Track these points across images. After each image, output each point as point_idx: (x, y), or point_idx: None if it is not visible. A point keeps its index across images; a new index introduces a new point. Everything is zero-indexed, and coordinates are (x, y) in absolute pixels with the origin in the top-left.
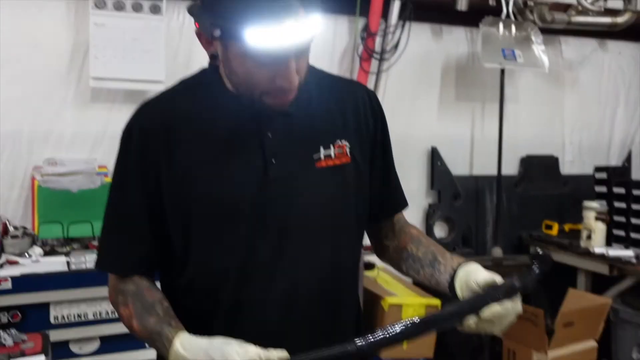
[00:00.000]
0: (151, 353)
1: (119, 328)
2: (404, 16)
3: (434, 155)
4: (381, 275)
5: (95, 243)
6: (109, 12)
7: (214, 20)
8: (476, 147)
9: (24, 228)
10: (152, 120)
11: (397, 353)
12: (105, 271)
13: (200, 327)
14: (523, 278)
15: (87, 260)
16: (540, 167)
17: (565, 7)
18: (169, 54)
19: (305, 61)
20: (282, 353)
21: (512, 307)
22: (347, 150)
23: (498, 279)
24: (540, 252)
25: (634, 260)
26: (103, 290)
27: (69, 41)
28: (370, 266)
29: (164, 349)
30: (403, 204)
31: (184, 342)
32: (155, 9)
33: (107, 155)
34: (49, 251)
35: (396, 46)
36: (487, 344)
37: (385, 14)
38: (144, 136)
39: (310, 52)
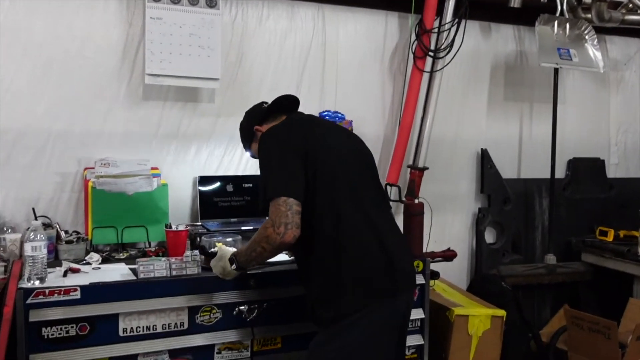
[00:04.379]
0: None
1: (188, 341)
2: (459, 13)
3: (484, 158)
4: (438, 284)
5: (151, 248)
6: (165, 5)
7: None
8: (524, 149)
9: (77, 233)
10: (300, 132)
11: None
12: (279, 196)
13: None
14: None
15: (156, 268)
16: (587, 170)
17: (615, 5)
18: (221, 51)
19: None
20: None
21: None
22: None
23: None
24: None
25: None
26: (171, 301)
27: (121, 35)
28: (435, 275)
29: None
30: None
31: None
32: (212, 2)
33: (158, 156)
34: (106, 258)
35: (451, 44)
36: (552, 356)
37: (439, 11)
38: (297, 138)
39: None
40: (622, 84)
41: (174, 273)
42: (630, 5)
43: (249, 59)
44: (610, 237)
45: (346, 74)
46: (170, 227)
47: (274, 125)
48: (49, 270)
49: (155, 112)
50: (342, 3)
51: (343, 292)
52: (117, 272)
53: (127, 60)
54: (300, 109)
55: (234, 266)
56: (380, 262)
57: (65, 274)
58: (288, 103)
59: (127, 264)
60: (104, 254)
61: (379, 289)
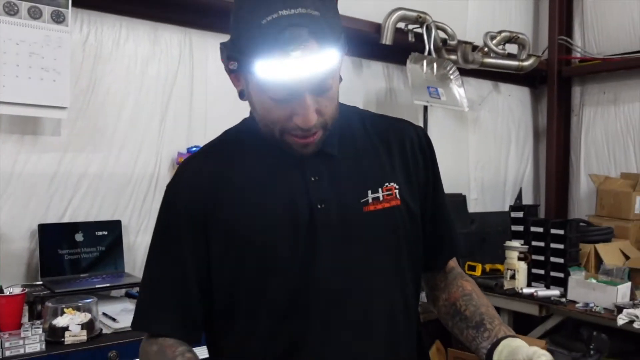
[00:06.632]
0: None
1: None
2: None
3: None
4: None
5: None
6: None
7: (232, 53)
8: None
9: None
10: (197, 180)
11: None
12: (138, 330)
13: None
14: None
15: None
16: (451, 205)
17: (472, 49)
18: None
19: (329, 100)
20: None
21: None
22: (397, 193)
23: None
24: (599, 335)
25: (563, 300)
26: None
27: None
28: None
29: None
30: (455, 251)
31: None
32: (58, 17)
33: None
34: None
35: None
36: None
37: None
38: (189, 195)
39: (335, 92)
40: (477, 123)
41: (7, 354)
42: (486, 49)
43: (104, 86)
44: (478, 272)
45: (217, 107)
46: (1, 290)
47: None
48: None
49: None
50: (210, 29)
51: None
52: None
53: None
54: (164, 145)
55: None
56: None
57: None
58: None
59: None
60: None
61: None
